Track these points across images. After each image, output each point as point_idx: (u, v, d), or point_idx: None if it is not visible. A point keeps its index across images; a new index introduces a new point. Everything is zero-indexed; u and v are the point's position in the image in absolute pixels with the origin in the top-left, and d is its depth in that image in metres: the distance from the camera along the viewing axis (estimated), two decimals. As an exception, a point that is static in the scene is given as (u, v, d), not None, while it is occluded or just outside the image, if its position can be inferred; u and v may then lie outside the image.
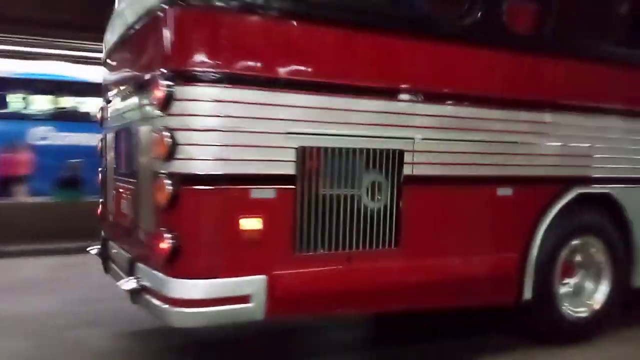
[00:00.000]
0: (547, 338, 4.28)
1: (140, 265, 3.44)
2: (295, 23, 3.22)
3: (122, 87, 4.09)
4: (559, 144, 4.17)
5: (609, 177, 4.40)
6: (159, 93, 2.98)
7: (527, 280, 4.04)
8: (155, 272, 3.19)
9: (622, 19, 4.52)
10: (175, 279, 3.04)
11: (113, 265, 4.20)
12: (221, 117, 3.02)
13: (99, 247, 4.49)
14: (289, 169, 3.19)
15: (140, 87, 3.48)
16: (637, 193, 4.52)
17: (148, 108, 3.30)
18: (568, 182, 4.20)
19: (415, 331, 4.68)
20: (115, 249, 4.18)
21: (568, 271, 4.35)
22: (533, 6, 4.15)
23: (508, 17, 3.87)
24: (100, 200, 4.98)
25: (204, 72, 2.98)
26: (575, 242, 4.34)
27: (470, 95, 3.79)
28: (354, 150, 3.40)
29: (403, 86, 3.54)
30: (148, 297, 3.26)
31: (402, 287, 3.61)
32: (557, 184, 4.16)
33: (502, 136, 3.91)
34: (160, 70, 3.04)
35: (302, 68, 3.25)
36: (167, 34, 3.04)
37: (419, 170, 3.59)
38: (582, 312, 4.39)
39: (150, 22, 3.29)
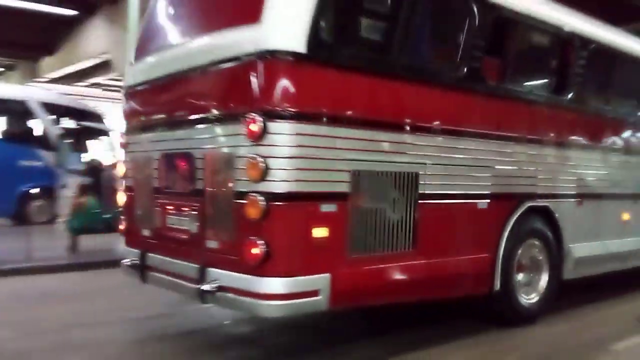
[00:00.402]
0: (509, 321, 5.45)
1: (214, 269, 4.07)
2: (348, 77, 4.12)
3: (174, 118, 4.67)
4: (516, 168, 5.42)
5: (546, 193, 5.73)
6: (255, 127, 3.71)
7: (496, 274, 5.19)
8: (240, 274, 3.87)
9: (552, 73, 5.93)
10: (265, 278, 3.75)
11: (157, 274, 4.73)
12: (300, 147, 3.81)
13: (135, 259, 4.94)
14: (345, 188, 4.05)
15: (218, 120, 4.15)
16: (565, 205, 5.90)
17: (230, 138, 3.98)
18: (521, 198, 5.45)
19: (392, 320, 5.64)
20: (159, 259, 4.72)
21: (520, 267, 5.57)
22: (497, 63, 5.37)
23: (484, 71, 5.06)
24: (123, 217, 5.42)
25: (288, 111, 3.77)
26: (525, 243, 5.57)
27: (461, 131, 4.89)
28: (386, 172, 4.32)
29: (419, 124, 4.55)
30: (229, 295, 3.93)
31: (418, 281, 4.59)
32: (515, 199, 5.39)
33: (481, 162, 5.05)
34: (254, 109, 3.76)
35: (354, 109, 4.15)
36: (260, 81, 3.79)
37: (429, 189, 4.60)
38: (532, 298, 5.63)
39: (237, 68, 3.98)
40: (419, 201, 4.53)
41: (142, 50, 5.37)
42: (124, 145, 5.44)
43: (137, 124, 5.26)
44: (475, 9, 4.86)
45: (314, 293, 3.90)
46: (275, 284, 3.76)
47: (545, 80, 5.96)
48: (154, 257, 4.81)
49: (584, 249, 6.13)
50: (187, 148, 4.49)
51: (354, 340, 5.19)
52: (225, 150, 4.08)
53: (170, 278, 4.58)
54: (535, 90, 5.93)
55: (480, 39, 4.95)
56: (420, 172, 4.53)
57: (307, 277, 3.87)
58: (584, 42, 6.03)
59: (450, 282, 4.89)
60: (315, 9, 3.84)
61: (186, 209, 4.51)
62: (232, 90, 4.10)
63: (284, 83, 3.80)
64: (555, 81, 5.88)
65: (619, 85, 6.91)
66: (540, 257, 5.76)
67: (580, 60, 5.97)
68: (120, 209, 5.52)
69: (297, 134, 3.80)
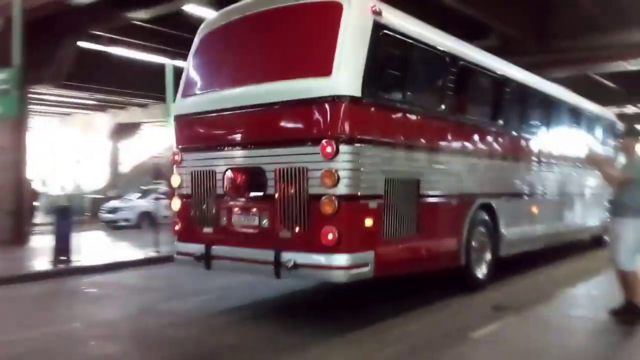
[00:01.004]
0: (470, 287, 7.43)
1: (287, 252, 5.55)
2: (382, 112, 5.86)
3: (242, 141, 6.10)
4: (473, 175, 7.44)
5: (489, 193, 7.83)
6: (329, 149, 5.31)
7: (462, 252, 7.14)
8: (316, 253, 5.42)
9: (490, 108, 8.10)
10: (336, 255, 5.35)
11: (224, 262, 6.13)
12: (358, 162, 5.46)
13: (200, 253, 6.24)
14: (382, 191, 5.75)
15: (292, 143, 5.64)
16: (500, 202, 8.04)
17: (306, 156, 5.49)
18: (475, 197, 7.48)
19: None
20: (227, 250, 6.10)
21: (474, 247, 7.56)
22: (463, 99, 7.38)
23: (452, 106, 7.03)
24: (177, 220, 6.69)
25: (351, 137, 5.41)
26: (477, 229, 7.59)
27: (441, 148, 6.79)
28: (403, 179, 6.09)
29: (419, 144, 6.39)
30: (305, 269, 5.47)
31: (421, 256, 6.41)
32: (472, 197, 7.41)
33: (453, 171, 6.99)
34: (328, 136, 5.34)
35: (385, 134, 5.87)
36: (332, 116, 5.39)
37: (425, 191, 6.43)
38: (482, 271, 7.67)
39: (313, 106, 5.50)
40: (419, 199, 6.35)
41: (190, 89, 6.80)
42: (177, 162, 6.69)
43: (193, 145, 6.57)
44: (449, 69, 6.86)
45: (365, 265, 5.55)
46: (343, 259, 5.37)
47: (486, 112, 8.12)
48: (219, 249, 6.17)
49: (511, 233, 8.31)
50: (256, 164, 5.93)
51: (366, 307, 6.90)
52: (300, 165, 5.57)
53: (240, 263, 5.99)
54: (482, 119, 8.04)
55: (449, 86, 6.95)
56: (420, 179, 6.35)
57: (361, 253, 5.51)
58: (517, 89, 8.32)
59: (439, 257, 6.80)
60: (364, 70, 5.54)
61: (255, 209, 5.95)
62: (308, 122, 5.62)
63: (348, 118, 5.43)
64: (492, 113, 8.08)
65: (527, 110, 9.29)
66: (485, 240, 7.82)
67: (507, 96, 8.22)
68: (178, 214, 6.73)
69: (356, 154, 5.44)
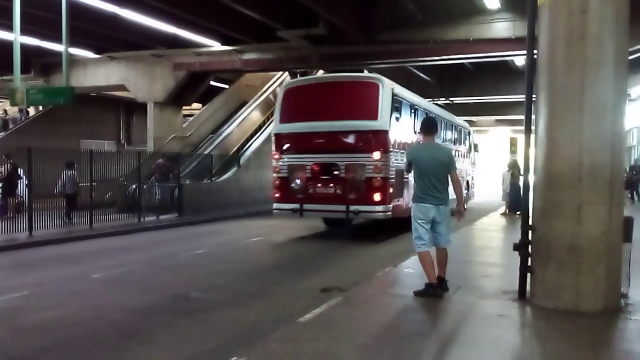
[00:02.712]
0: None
1: (353, 205, 11.43)
2: (399, 136, 11.90)
3: (321, 148, 11.78)
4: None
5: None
6: (377, 155, 11.28)
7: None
8: (369, 205, 11.38)
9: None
10: (378, 206, 11.40)
11: (311, 212, 11.86)
12: (387, 161, 11.48)
13: (297, 208, 11.87)
14: (394, 175, 11.81)
15: (355, 151, 11.44)
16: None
17: (363, 158, 11.37)
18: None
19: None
20: (313, 206, 11.81)
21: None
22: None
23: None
24: (276, 191, 12.31)
25: (385, 149, 11.46)
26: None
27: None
28: (399, 168, 12.15)
29: (403, 149, 12.54)
30: (363, 213, 11.46)
31: (402, 209, 12.61)
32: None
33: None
34: (375, 149, 11.31)
35: (395, 147, 11.92)
36: (376, 139, 11.37)
37: (402, 174, 12.62)
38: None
39: (367, 134, 11.38)
40: (403, 179, 12.47)
41: (284, 119, 12.33)
42: (277, 159, 12.27)
43: (288, 150, 12.18)
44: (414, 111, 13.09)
45: (389, 211, 11.59)
46: (382, 208, 11.43)
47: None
48: (308, 206, 11.87)
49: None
50: (333, 161, 11.64)
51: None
52: (361, 162, 11.42)
53: (322, 213, 11.74)
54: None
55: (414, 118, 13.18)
56: (402, 168, 12.47)
57: (388, 205, 11.56)
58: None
59: (405, 211, 13.03)
60: (390, 117, 11.56)
61: (332, 184, 11.66)
62: (364, 142, 11.48)
63: (384, 140, 11.41)
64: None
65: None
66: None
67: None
68: (276, 186, 12.37)
69: (387, 157, 11.44)
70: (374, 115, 11.41)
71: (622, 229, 5.40)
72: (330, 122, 11.78)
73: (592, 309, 5.21)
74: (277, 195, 12.31)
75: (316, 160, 11.85)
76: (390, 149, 11.53)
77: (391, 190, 11.57)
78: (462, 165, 18.00)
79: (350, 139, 11.69)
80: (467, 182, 19.58)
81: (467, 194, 18.93)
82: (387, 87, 11.72)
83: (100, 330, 5.53)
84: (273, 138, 12.87)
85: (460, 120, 19.98)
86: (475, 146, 22.25)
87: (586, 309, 5.21)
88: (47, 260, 9.76)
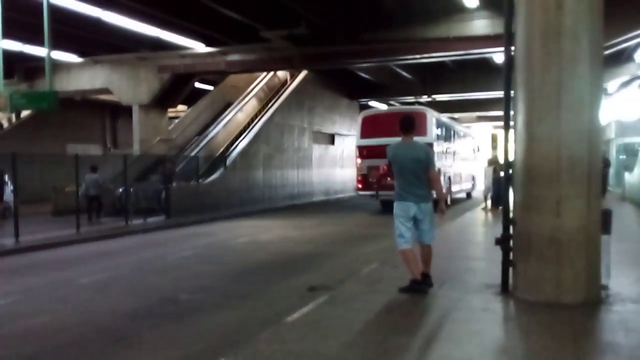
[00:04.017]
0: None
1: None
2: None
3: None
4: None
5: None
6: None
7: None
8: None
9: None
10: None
11: (382, 197, 15.16)
12: (439, 144, 16.80)
13: (374, 194, 17.05)
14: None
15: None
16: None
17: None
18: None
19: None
20: (383, 192, 15.02)
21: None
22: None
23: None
24: (358, 183, 18.54)
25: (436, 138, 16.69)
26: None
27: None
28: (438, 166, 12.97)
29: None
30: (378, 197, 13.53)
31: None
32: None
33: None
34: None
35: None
36: (430, 150, 11.69)
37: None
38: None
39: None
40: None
41: (363, 135, 18.17)
42: (359, 163, 18.48)
43: (367, 156, 15.42)
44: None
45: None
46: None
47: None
48: (381, 192, 15.64)
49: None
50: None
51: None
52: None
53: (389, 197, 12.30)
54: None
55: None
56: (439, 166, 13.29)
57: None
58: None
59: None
60: (435, 133, 17.27)
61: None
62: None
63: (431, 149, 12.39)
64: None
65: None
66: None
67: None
68: (359, 180, 18.40)
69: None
70: (424, 133, 16.36)
71: (601, 222, 5.50)
72: (394, 138, 12.27)
73: (573, 301, 5.30)
74: (360, 186, 18.31)
75: (385, 163, 12.40)
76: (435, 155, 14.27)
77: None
78: (471, 165, 24.90)
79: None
80: (473, 177, 25.76)
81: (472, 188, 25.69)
82: (431, 115, 17.74)
83: (88, 336, 5.53)
84: (355, 149, 18.97)
85: (470, 129, 27.89)
86: (478, 148, 26.98)
87: (567, 301, 5.30)
88: (34, 266, 9.70)
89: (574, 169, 5.29)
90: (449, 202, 20.32)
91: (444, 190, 16.84)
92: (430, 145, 16.32)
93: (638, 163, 18.13)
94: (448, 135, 20.36)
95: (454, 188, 21.06)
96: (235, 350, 4.47)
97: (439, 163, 16.06)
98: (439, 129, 18.39)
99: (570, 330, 4.72)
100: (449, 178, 19.76)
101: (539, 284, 5.43)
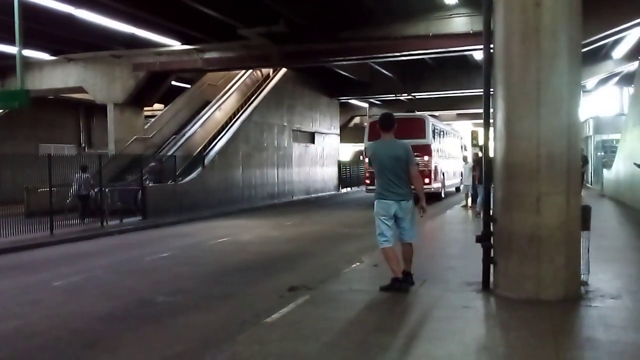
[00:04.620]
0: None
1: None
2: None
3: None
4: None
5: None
6: (427, 158, 17.71)
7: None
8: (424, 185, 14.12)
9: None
10: (429, 185, 18.65)
11: None
12: (431, 159, 17.10)
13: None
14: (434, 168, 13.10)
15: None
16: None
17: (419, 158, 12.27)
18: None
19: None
20: None
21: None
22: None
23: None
24: (366, 179, 20.63)
25: (430, 154, 19.56)
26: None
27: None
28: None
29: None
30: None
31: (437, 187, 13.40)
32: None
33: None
34: (427, 154, 19.14)
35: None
36: (427, 149, 19.22)
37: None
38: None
39: (422, 145, 17.69)
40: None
41: (370, 137, 18.68)
42: (367, 163, 19.20)
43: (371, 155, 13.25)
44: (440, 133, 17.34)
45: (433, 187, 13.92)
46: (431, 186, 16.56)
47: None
48: None
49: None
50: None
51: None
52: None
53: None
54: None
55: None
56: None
57: (433, 185, 17.38)
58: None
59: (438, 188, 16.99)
60: (432, 136, 19.85)
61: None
62: (419, 150, 15.27)
63: (429, 149, 19.29)
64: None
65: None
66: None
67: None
68: (366, 177, 20.66)
69: (430, 158, 19.67)
70: (423, 136, 19.25)
71: (580, 218, 5.53)
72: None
73: (553, 297, 5.31)
74: (368, 182, 19.91)
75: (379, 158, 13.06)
76: (432, 154, 19.73)
77: (433, 176, 19.52)
78: (456, 162, 24.19)
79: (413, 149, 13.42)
80: (461, 173, 27.84)
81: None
82: (429, 120, 20.43)
83: (62, 340, 5.38)
84: (364, 150, 23.15)
85: (455, 129, 28.87)
86: (465, 146, 27.05)
87: (547, 297, 5.31)
88: (5, 269, 9.46)
89: (554, 166, 5.30)
90: (442, 195, 22.15)
91: (440, 185, 20.55)
92: (429, 145, 19.46)
93: (616, 160, 18.42)
94: (441, 136, 22.69)
95: (447, 182, 22.78)
96: (214, 352, 4.39)
97: (435, 161, 19.91)
98: (435, 132, 20.94)
99: (550, 327, 4.72)
100: (443, 174, 21.85)
101: (519, 281, 5.44)
